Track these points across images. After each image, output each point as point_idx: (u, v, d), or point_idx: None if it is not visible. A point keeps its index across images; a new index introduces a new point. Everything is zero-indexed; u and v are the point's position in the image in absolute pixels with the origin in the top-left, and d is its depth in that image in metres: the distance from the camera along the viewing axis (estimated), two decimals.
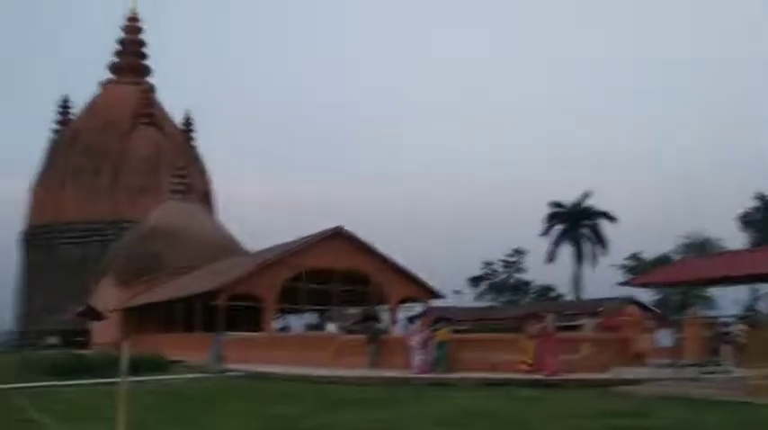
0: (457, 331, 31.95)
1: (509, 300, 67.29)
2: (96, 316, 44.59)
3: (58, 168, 65.54)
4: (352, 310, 42.85)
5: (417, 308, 37.35)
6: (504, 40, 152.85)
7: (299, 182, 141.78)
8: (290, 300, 34.51)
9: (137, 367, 21.96)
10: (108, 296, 47.59)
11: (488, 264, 70.01)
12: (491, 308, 58.71)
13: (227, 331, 28.94)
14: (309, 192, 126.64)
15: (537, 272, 66.22)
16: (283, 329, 40.63)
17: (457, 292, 58.74)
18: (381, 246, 35.85)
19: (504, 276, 69.79)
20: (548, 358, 15.75)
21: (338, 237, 34.29)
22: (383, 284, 35.19)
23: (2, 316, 67.60)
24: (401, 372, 17.46)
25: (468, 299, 64.30)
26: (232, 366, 22.52)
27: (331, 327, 28.23)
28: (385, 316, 36.65)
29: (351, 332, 25.92)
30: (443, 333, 17.59)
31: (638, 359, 17.12)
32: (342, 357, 20.90)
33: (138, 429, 9.76)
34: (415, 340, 17.74)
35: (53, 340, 41.98)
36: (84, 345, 37.73)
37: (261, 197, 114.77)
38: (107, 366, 21.33)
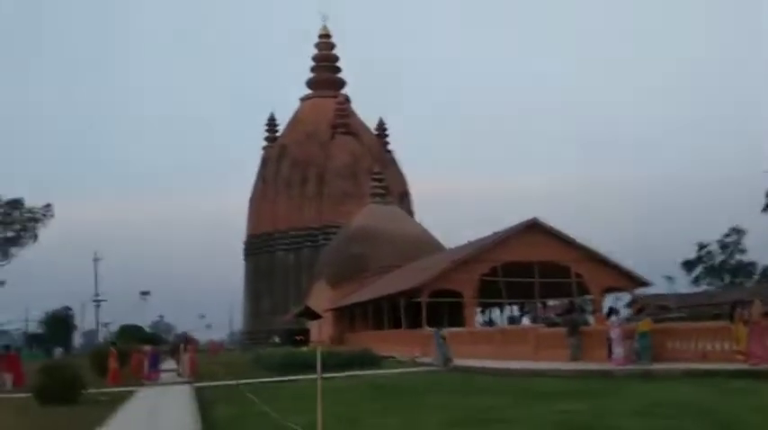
0: (671, 319, 30.40)
1: (730, 283, 62.05)
2: (313, 315, 47.91)
3: (271, 181, 71.69)
4: (554, 302, 42.22)
5: (625, 297, 35.99)
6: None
7: (490, 176, 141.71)
8: (491, 294, 34.84)
9: (351, 363, 23.83)
10: (322, 296, 51.22)
11: (703, 246, 65.09)
12: (708, 293, 54.57)
13: (429, 326, 30.02)
14: (502, 184, 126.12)
15: (761, 252, 60.46)
16: (488, 323, 41.08)
17: (669, 278, 55.30)
18: (586, 236, 35.09)
19: (721, 258, 64.47)
20: (754, 346, 14.68)
21: (534, 229, 34.00)
22: (584, 275, 34.33)
23: (235, 317, 75.46)
24: (602, 365, 17.19)
25: (683, 284, 60.34)
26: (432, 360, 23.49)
27: (525, 321, 28.16)
28: (589, 306, 35.76)
29: (552, 325, 25.72)
30: (645, 323, 16.98)
31: None
32: (542, 350, 20.96)
33: (351, 419, 10.84)
34: (615, 331, 17.34)
35: (276, 339, 46.04)
36: (304, 343, 40.92)
37: (454, 192, 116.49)
38: (323, 362, 23.28)
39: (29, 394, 16.45)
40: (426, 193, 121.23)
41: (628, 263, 35.74)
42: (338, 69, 76.72)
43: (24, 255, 62.77)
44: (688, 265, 65.30)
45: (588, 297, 35.52)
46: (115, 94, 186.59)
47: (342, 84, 76.76)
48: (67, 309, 71.17)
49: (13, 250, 62.23)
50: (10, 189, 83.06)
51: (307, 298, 55.30)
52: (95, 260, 64.89)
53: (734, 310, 15.79)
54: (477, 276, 33.04)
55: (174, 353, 27.64)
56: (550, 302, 43.28)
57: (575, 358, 19.09)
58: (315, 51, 76.26)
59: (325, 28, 76.18)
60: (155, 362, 23.56)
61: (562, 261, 33.99)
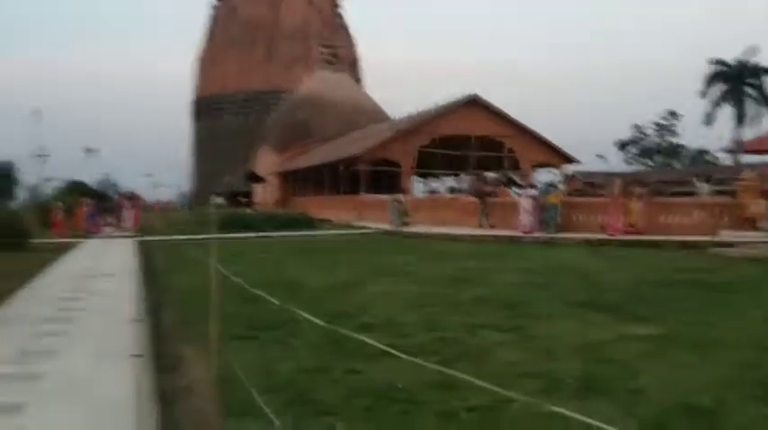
0: (594, 196, 32.47)
1: (661, 164, 65.06)
2: (257, 179, 49.23)
3: (219, 41, 69.97)
4: (491, 175, 44.10)
5: (558, 172, 37.90)
6: None
7: (442, 49, 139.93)
8: (429, 165, 36.34)
9: (288, 224, 25.41)
10: (267, 161, 52.10)
11: (638, 127, 67.47)
12: (639, 172, 57.40)
13: (367, 193, 31.52)
14: (452, 59, 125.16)
15: (692, 135, 63.32)
16: (431, 193, 43.05)
17: (601, 157, 57.72)
18: (524, 114, 36.44)
19: (655, 140, 67.17)
20: (615, 219, 16.97)
21: (473, 104, 35.10)
22: (516, 150, 35.97)
23: (184, 178, 75.92)
24: (513, 232, 18.99)
25: (615, 163, 63.05)
26: (369, 224, 25.14)
27: (442, 191, 29.95)
28: (522, 181, 37.72)
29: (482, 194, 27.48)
30: (554, 196, 18.71)
31: (751, 224, 17.38)
32: (466, 217, 22.71)
33: (279, 264, 12.26)
34: (525, 203, 19.04)
35: (220, 200, 47.11)
36: (247, 205, 42.20)
37: (404, 63, 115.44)
38: (263, 223, 24.78)
39: None
40: (377, 64, 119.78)
41: (568, 141, 37.55)
42: None
43: None
44: (622, 145, 67.88)
45: (519, 171, 37.39)
46: None
47: None
48: (10, 163, 70.34)
49: None
50: None
51: (252, 162, 56.09)
52: (34, 113, 63.47)
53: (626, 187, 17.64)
54: (415, 147, 34.32)
55: (117, 209, 28.46)
56: (488, 175, 45.23)
57: (487, 224, 20.88)
58: None
59: None
60: (93, 216, 24.55)
61: (497, 136, 35.45)
